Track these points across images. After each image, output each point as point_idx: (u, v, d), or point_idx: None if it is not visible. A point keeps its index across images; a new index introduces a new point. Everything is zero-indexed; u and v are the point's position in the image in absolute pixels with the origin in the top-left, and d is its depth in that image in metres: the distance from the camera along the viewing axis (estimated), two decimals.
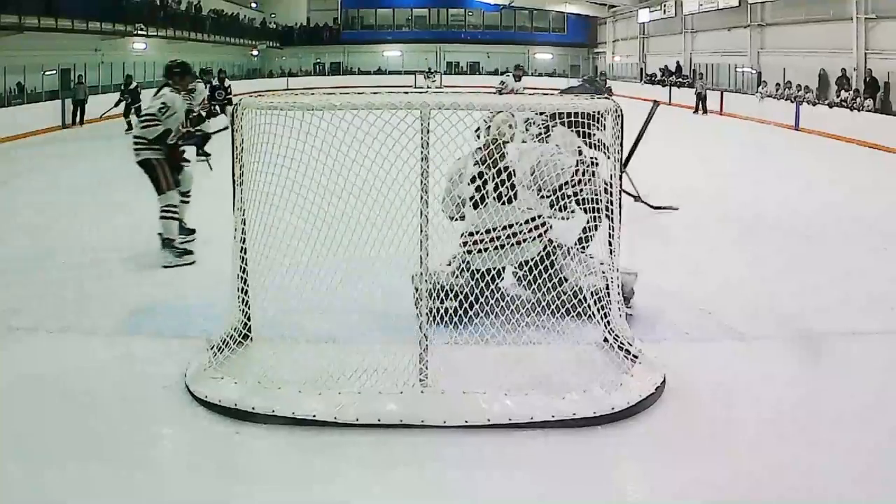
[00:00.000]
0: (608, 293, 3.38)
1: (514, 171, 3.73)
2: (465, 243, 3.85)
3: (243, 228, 3.33)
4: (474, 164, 3.81)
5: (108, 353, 3.47)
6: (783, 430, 2.83)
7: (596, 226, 4.03)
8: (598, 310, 3.36)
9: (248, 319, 3.42)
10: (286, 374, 3.00)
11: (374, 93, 3.52)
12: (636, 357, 3.20)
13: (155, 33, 24.04)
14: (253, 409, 2.81)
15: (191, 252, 5.12)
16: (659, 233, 5.27)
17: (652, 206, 6.45)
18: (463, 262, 3.85)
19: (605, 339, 3.38)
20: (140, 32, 22.98)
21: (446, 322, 3.44)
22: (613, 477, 2.61)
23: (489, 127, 3.79)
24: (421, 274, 3.01)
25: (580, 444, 2.70)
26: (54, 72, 17.54)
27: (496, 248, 3.75)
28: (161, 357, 3.39)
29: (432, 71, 31.22)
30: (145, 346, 3.56)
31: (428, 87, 26.66)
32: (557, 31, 35.61)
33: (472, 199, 3.78)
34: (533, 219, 3.75)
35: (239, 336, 3.35)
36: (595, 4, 32.91)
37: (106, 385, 3.14)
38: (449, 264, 3.92)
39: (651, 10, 28.17)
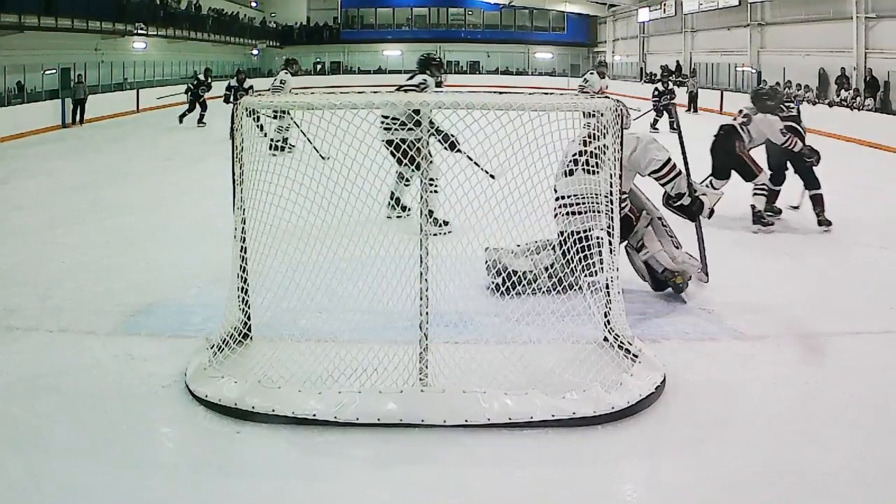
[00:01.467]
0: (608, 292, 3.38)
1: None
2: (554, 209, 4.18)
3: (243, 227, 3.33)
4: (578, 144, 4.06)
5: (108, 352, 3.47)
6: (783, 430, 2.83)
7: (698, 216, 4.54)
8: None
9: (248, 319, 3.42)
10: (286, 374, 3.00)
11: (374, 92, 3.52)
12: (636, 356, 3.20)
13: (155, 33, 24.06)
14: (253, 408, 2.81)
15: (447, 222, 5.00)
16: None
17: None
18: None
19: (605, 339, 3.38)
20: (140, 32, 22.99)
21: (501, 293, 3.67)
22: (613, 476, 2.60)
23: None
24: (421, 274, 3.00)
25: (580, 444, 2.70)
26: (54, 71, 17.53)
27: (569, 213, 4.00)
28: (160, 356, 3.39)
29: None
30: (145, 345, 3.55)
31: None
32: (557, 31, 35.60)
33: (566, 170, 4.06)
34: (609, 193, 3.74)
35: (239, 335, 3.35)
36: (595, 4, 32.90)
37: (105, 385, 3.14)
38: (518, 246, 4.16)
39: (651, 10, 28.17)
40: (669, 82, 14.60)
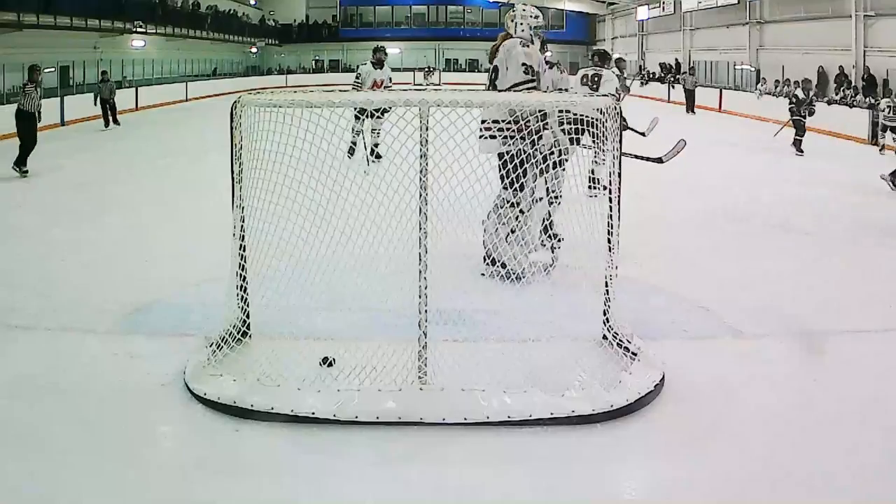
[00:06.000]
0: (607, 290, 3.38)
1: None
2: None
3: (242, 225, 3.32)
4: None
5: (107, 351, 3.46)
6: (782, 429, 2.83)
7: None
8: None
9: (247, 317, 3.41)
10: (285, 372, 3.00)
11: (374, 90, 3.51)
12: (635, 355, 3.20)
13: (153, 31, 24.04)
14: (252, 406, 2.81)
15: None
16: (658, 230, 5.27)
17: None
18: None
19: (605, 337, 3.38)
20: (139, 30, 22.96)
21: (500, 278, 3.89)
22: (612, 475, 2.61)
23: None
24: (420, 271, 3.00)
25: (579, 442, 2.70)
26: (53, 69, 17.50)
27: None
28: (159, 355, 3.38)
29: (431, 68, 31.17)
30: (144, 343, 3.55)
31: (427, 85, 26.64)
32: (556, 28, 35.54)
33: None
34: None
35: (238, 333, 3.34)
36: (594, 1, 32.90)
37: (104, 383, 3.13)
38: (496, 230, 4.21)
39: (650, 8, 28.16)
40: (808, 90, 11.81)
